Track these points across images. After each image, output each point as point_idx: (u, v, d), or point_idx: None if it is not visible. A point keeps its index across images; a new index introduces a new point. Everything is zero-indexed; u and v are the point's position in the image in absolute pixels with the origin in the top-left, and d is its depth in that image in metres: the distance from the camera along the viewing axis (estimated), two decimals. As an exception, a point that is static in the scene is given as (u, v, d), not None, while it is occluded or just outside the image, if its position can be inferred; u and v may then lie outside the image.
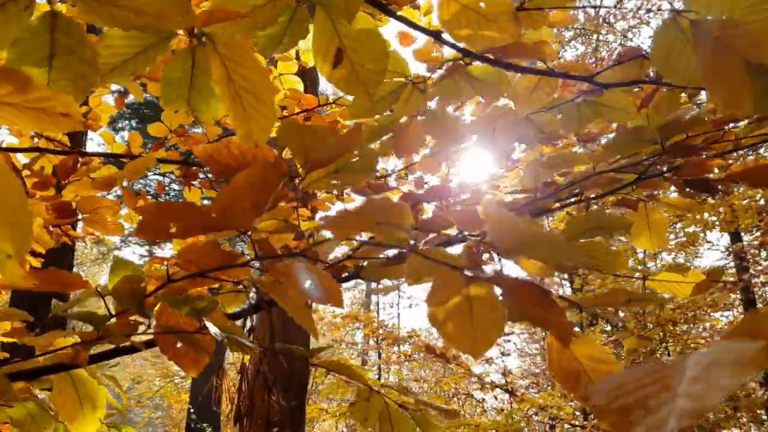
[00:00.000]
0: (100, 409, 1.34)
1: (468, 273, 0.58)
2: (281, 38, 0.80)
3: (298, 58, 2.49)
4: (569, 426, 8.62)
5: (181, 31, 0.74)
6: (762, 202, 7.74)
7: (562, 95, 1.12)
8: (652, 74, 0.98)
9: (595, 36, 12.49)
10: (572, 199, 1.16)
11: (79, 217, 1.97)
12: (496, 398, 10.34)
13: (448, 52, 0.99)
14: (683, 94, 1.07)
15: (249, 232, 0.78)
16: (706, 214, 8.03)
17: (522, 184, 1.11)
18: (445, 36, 0.82)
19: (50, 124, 0.60)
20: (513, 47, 0.80)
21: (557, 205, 1.16)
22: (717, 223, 8.07)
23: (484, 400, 10.69)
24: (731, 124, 0.96)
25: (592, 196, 1.14)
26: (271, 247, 0.81)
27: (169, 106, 0.82)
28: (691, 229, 8.41)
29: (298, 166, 0.81)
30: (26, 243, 0.58)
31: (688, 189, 0.99)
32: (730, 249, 9.28)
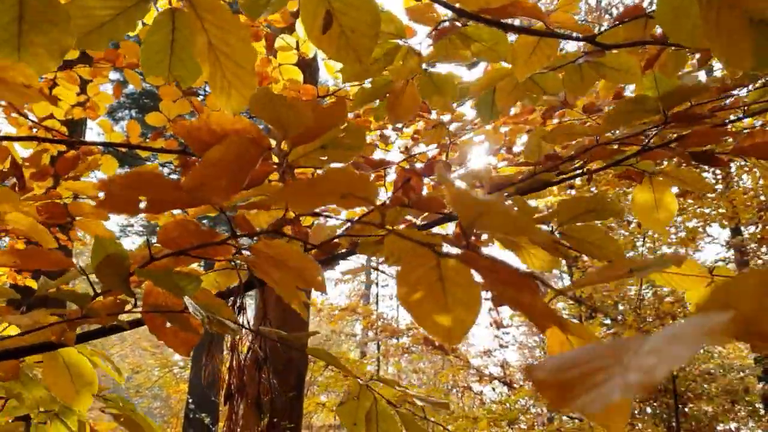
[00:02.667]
0: (93, 384, 1.35)
1: (438, 250, 0.54)
2: (269, -1, 0.76)
3: (297, 49, 2.47)
4: (567, 418, 8.63)
5: (159, -9, 0.71)
6: (762, 197, 7.71)
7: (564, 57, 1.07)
8: (657, 35, 0.94)
9: (597, 28, 12.39)
10: (575, 172, 1.13)
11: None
12: (494, 390, 10.37)
13: (444, 12, 0.96)
14: (693, 55, 1.02)
15: (226, 210, 0.75)
16: (707, 209, 8.00)
17: (524, 156, 1.07)
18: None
19: (11, 94, 0.57)
20: (510, 7, 0.77)
21: (559, 178, 1.13)
22: (717, 219, 8.05)
23: (482, 392, 10.71)
24: (739, 91, 0.93)
25: (595, 168, 1.10)
26: (249, 224, 0.77)
27: (151, 73, 0.79)
28: (691, 224, 8.38)
29: (281, 141, 0.78)
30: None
31: (693, 162, 0.96)
32: (730, 243, 9.27)
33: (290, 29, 2.46)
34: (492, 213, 0.46)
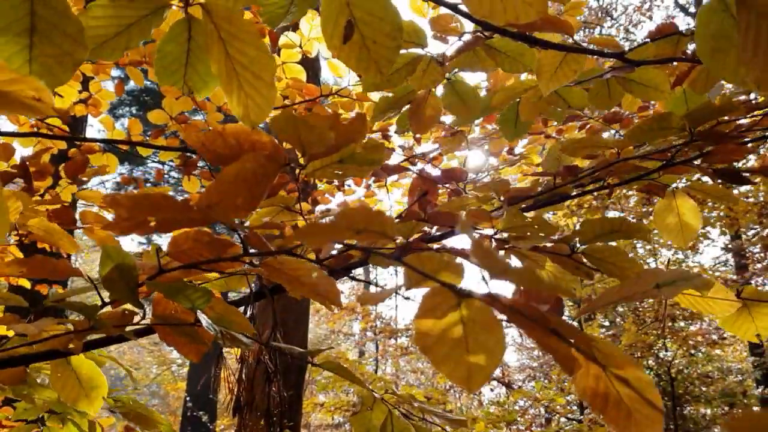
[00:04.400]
0: (102, 387, 1.33)
1: (460, 290, 0.52)
2: (289, 7, 0.74)
3: (300, 47, 2.45)
4: (566, 419, 8.63)
5: (175, 1, 0.68)
6: (762, 197, 7.69)
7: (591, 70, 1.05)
8: (688, 51, 0.92)
9: (597, 29, 12.41)
10: (595, 186, 1.11)
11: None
12: (492, 390, 10.37)
13: (468, 23, 0.94)
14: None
15: (240, 228, 0.73)
16: (706, 213, 8.00)
17: (543, 167, 1.05)
18: (463, 8, 0.76)
19: (21, 108, 0.55)
20: (538, 21, 0.75)
21: (578, 191, 1.11)
22: (716, 223, 8.05)
23: (480, 393, 10.72)
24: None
25: (616, 182, 1.08)
26: (262, 242, 0.76)
27: (165, 83, 0.77)
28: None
29: (299, 154, 0.76)
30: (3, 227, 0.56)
31: (718, 179, 0.94)
32: (730, 246, 9.27)
33: (294, 26, 2.44)
34: (516, 275, 0.45)
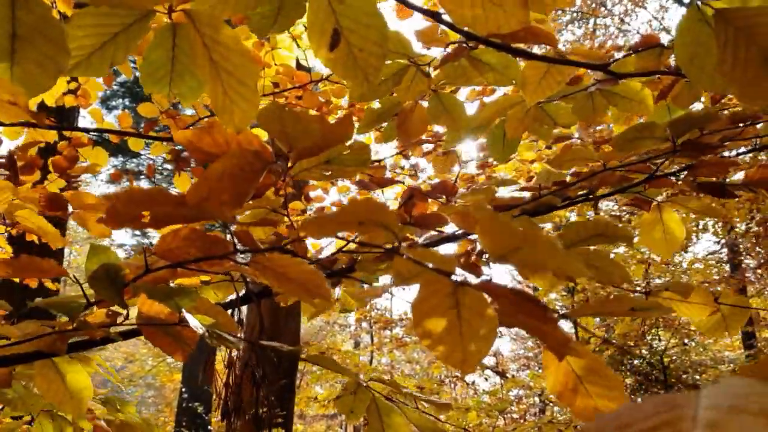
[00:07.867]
0: (88, 389, 1.33)
1: (456, 279, 0.54)
2: (275, 17, 0.74)
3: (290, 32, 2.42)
4: (559, 409, 8.72)
5: (159, 7, 0.68)
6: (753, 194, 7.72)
7: (576, 81, 1.05)
8: (673, 65, 0.93)
9: (592, 20, 12.39)
10: (580, 198, 1.11)
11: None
12: (486, 380, 10.45)
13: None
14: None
15: (230, 223, 0.73)
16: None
17: (536, 183, 1.06)
18: (446, 17, 0.76)
19: None
20: (521, 32, 0.75)
21: (564, 203, 1.11)
22: (710, 226, 8.09)
23: (474, 382, 10.80)
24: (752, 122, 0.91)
25: (601, 194, 1.09)
26: (252, 239, 0.76)
27: (151, 91, 0.77)
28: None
29: (287, 153, 0.76)
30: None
31: (701, 193, 0.94)
32: (724, 240, 9.32)
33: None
34: (533, 246, 0.45)
